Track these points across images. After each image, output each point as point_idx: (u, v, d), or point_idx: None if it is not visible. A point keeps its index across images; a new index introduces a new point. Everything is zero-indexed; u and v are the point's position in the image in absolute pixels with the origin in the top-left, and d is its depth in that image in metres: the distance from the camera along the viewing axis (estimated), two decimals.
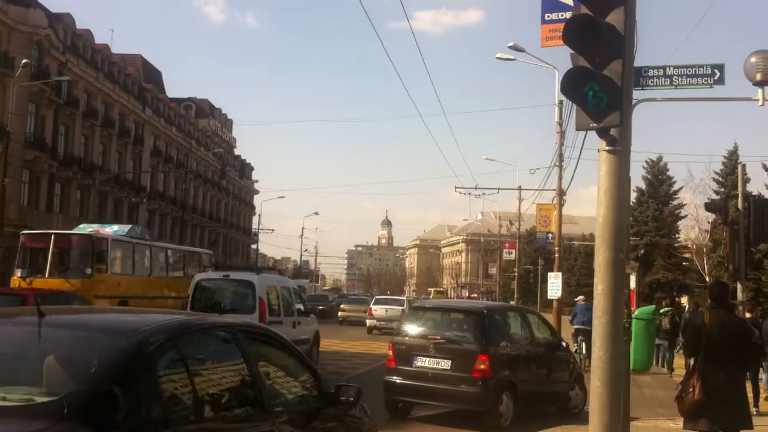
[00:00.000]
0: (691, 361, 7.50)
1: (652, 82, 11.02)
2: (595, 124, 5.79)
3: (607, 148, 5.94)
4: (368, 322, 35.14)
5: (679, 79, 10.91)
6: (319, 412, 4.99)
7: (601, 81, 5.71)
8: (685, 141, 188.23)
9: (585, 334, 21.48)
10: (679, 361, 21.22)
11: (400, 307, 34.89)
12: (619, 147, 5.91)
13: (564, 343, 13.85)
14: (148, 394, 3.54)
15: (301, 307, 18.80)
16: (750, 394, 11.20)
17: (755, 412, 11.84)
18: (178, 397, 3.80)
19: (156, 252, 28.29)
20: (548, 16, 12.57)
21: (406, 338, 12.19)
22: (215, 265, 26.85)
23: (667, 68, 11.11)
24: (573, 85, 5.88)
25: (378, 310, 35.63)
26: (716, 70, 10.77)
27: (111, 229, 26.47)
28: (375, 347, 24.27)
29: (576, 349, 20.11)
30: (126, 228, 27.63)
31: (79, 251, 24.01)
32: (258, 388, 4.37)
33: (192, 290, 16.92)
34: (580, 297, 24.46)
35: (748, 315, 14.04)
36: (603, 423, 5.86)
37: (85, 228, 26.11)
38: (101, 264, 23.79)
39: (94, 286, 22.51)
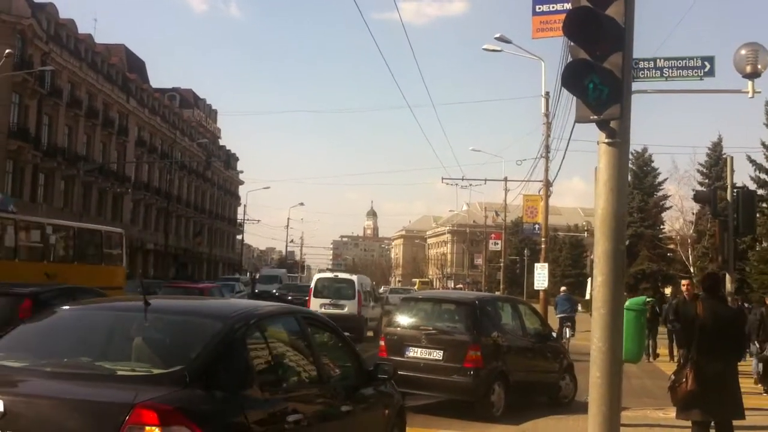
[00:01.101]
0: (676, 350, 7.56)
1: (642, 74, 11.05)
2: (595, 117, 5.81)
3: (606, 140, 5.95)
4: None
5: (670, 71, 10.96)
6: (360, 387, 5.91)
7: (602, 73, 5.73)
8: (669, 132, 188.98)
9: (568, 321, 22.05)
10: (662, 350, 21.64)
11: None
12: (619, 139, 5.93)
13: (554, 334, 13.93)
14: (238, 364, 4.50)
15: None
16: None
17: None
18: (259, 365, 4.74)
19: (24, 229, 21.84)
20: (539, 8, 12.62)
21: (398, 329, 12.20)
22: (322, 269, 30.78)
23: (658, 60, 11.15)
24: (573, 78, 5.90)
25: (392, 298, 43.01)
26: (706, 63, 10.83)
27: None
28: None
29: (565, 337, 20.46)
30: None
31: None
32: (316, 363, 5.32)
33: (313, 285, 26.28)
34: (563, 288, 24.99)
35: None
36: (602, 414, 5.90)
37: None
38: None
39: None
